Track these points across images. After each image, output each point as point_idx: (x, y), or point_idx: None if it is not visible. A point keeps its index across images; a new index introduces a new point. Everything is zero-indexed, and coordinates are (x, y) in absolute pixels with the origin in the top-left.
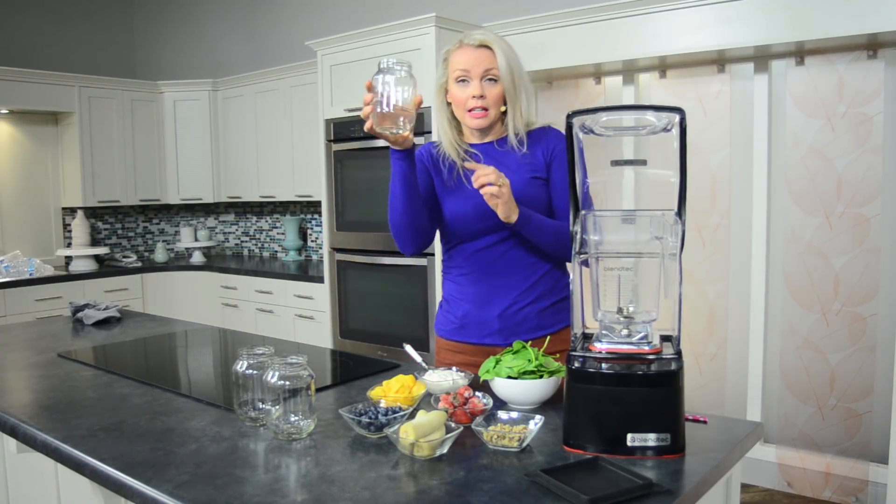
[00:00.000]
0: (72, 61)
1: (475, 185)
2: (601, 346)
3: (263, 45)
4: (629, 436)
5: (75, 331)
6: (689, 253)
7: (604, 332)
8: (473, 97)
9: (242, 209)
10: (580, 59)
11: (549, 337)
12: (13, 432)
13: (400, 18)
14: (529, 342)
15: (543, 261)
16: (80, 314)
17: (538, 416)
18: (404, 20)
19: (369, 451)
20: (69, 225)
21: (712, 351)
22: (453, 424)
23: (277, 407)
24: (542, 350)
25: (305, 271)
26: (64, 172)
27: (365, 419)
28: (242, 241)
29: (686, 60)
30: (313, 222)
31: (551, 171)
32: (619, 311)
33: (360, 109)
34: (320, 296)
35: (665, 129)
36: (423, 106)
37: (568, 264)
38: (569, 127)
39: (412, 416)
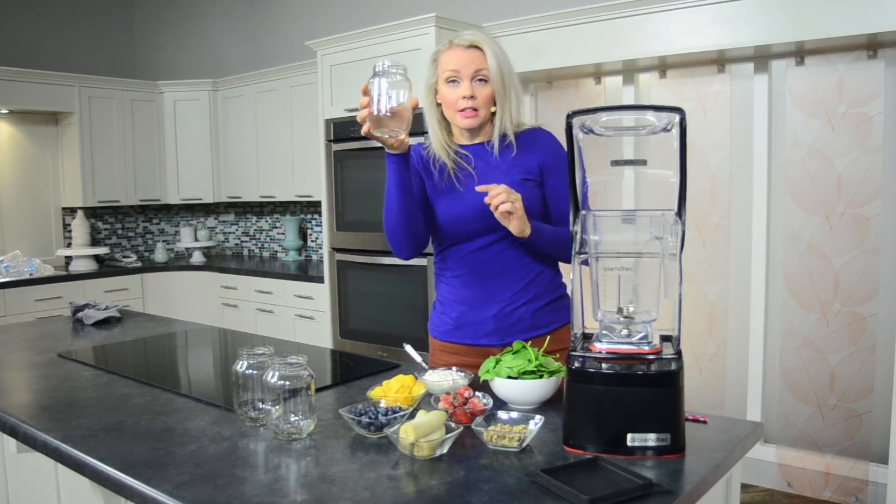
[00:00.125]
0: (72, 61)
1: (490, 207)
2: (601, 346)
3: (263, 45)
4: (629, 436)
5: (75, 331)
6: (689, 253)
7: (604, 332)
8: (464, 98)
9: (242, 209)
10: (580, 59)
11: (549, 336)
12: (13, 432)
13: (400, 18)
14: (528, 342)
15: (538, 261)
16: (80, 314)
17: (538, 416)
18: (404, 20)
19: (369, 451)
20: (69, 225)
21: (712, 351)
22: (453, 424)
23: (277, 407)
24: (542, 350)
25: (305, 271)
26: (64, 172)
27: (365, 419)
28: (242, 241)
29: (686, 60)
30: (313, 222)
31: (548, 181)
32: (619, 311)
33: (358, 111)
34: (320, 296)
35: (665, 129)
36: (418, 108)
37: (562, 264)
38: (569, 127)
39: (412, 416)
